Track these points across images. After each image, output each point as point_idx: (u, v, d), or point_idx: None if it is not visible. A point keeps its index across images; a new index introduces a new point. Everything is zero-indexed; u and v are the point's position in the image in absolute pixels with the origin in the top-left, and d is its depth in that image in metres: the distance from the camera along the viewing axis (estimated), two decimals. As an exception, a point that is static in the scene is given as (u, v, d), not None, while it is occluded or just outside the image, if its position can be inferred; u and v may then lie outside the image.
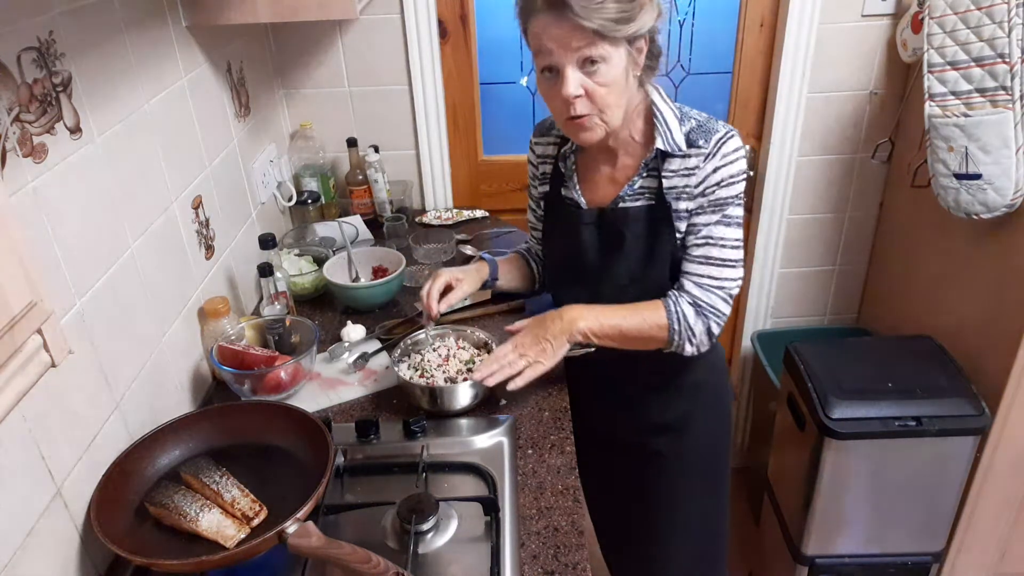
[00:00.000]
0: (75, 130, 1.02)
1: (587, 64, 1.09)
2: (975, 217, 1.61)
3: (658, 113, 1.19)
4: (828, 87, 1.99)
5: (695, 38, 2.03)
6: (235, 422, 1.16)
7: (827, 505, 1.75)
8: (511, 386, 1.22)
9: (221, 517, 1.00)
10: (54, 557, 0.94)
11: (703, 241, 1.20)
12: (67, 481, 0.97)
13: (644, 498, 1.47)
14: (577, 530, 1.07)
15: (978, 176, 1.57)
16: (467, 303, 1.62)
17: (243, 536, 0.98)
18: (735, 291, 1.23)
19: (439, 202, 2.16)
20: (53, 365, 0.71)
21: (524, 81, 2.11)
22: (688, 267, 1.22)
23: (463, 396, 1.27)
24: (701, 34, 2.03)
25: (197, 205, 1.41)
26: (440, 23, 1.94)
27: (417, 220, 2.05)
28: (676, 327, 1.21)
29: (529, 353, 1.23)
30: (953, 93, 1.59)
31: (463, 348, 1.38)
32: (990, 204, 1.57)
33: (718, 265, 1.20)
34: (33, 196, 0.93)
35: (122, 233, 1.14)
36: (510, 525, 1.08)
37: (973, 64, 1.54)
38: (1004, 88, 1.50)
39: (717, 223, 1.19)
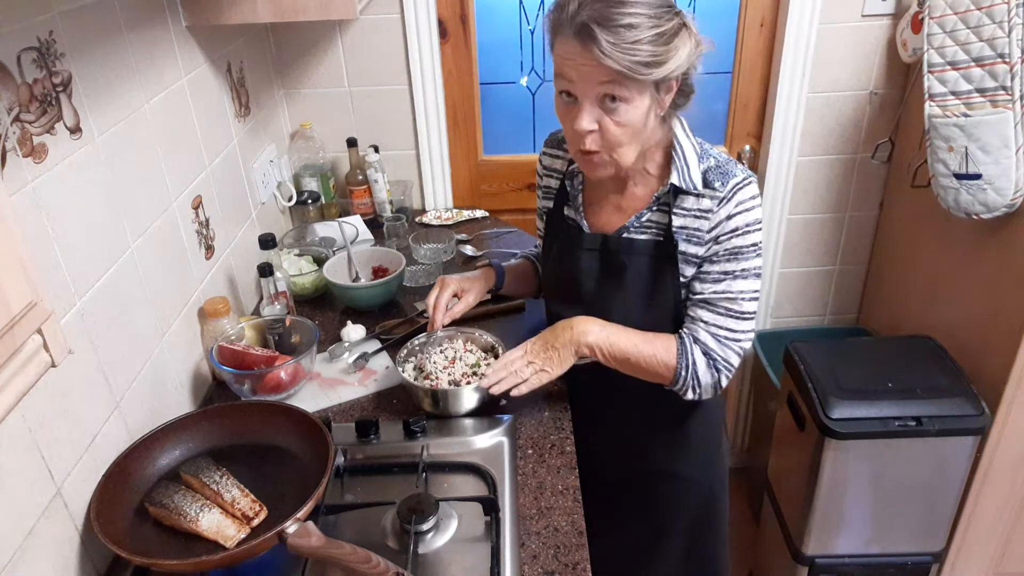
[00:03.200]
0: (75, 130, 1.02)
1: (607, 100, 1.04)
2: (975, 217, 1.61)
3: (678, 148, 1.14)
4: (828, 87, 1.99)
5: (695, 38, 2.03)
6: (235, 422, 1.16)
7: (827, 505, 1.75)
8: (515, 392, 1.21)
9: (221, 517, 1.00)
10: (54, 557, 0.94)
11: (722, 295, 1.15)
12: (67, 481, 0.97)
13: (637, 536, 1.44)
14: (577, 530, 1.07)
15: (978, 176, 1.57)
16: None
17: (243, 536, 0.98)
18: (748, 345, 1.19)
19: (439, 202, 2.16)
20: (53, 365, 0.70)
21: (524, 81, 2.11)
22: (705, 316, 1.17)
23: (467, 400, 1.27)
24: (701, 34, 2.02)
25: (197, 205, 1.41)
26: (440, 23, 1.94)
27: (417, 220, 2.05)
28: (683, 373, 1.17)
29: (536, 360, 1.21)
30: (953, 93, 1.59)
31: (470, 351, 1.37)
32: (990, 204, 1.57)
33: (736, 318, 1.16)
34: (33, 196, 0.93)
35: (122, 233, 1.14)
36: (510, 525, 1.08)
37: (973, 64, 1.54)
38: (1004, 88, 1.50)
39: (736, 277, 1.14)
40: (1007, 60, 1.49)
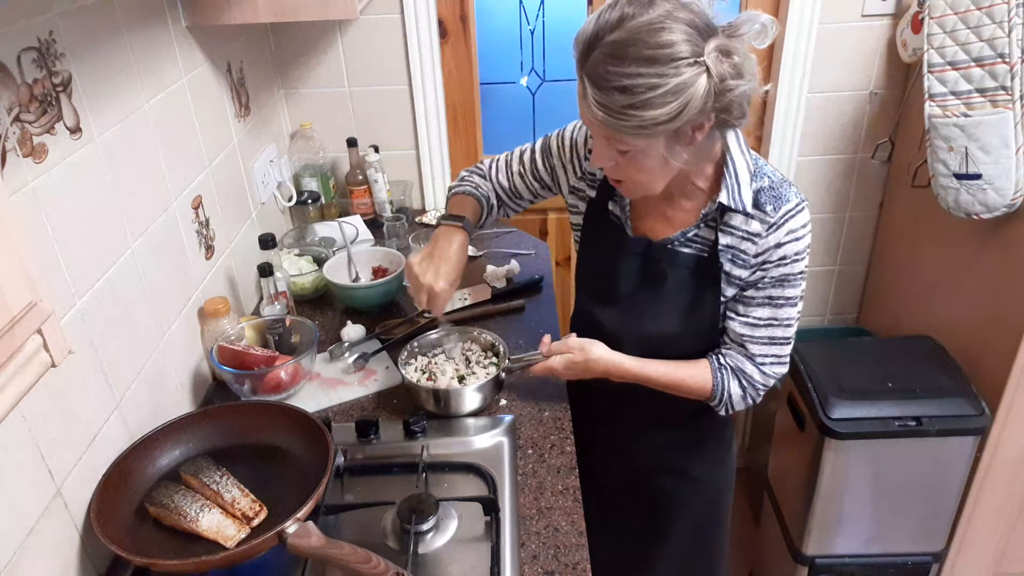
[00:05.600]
0: (75, 130, 1.02)
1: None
2: (975, 217, 1.61)
3: (730, 163, 1.07)
4: (828, 87, 1.99)
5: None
6: (235, 422, 1.16)
7: (827, 505, 1.75)
8: None
9: (221, 517, 1.00)
10: (54, 557, 0.94)
11: (767, 321, 1.13)
12: (67, 481, 0.97)
13: (641, 533, 1.45)
14: (577, 530, 1.07)
15: (978, 176, 1.57)
16: (467, 302, 1.62)
17: (243, 536, 0.98)
18: (788, 367, 1.19)
19: (439, 202, 2.16)
20: (53, 365, 0.71)
21: (524, 81, 2.11)
22: (752, 348, 1.15)
23: (469, 400, 1.27)
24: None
25: (197, 205, 1.41)
26: (440, 23, 1.94)
27: (417, 220, 2.05)
28: (716, 404, 1.20)
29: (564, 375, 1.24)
30: (953, 93, 1.58)
31: (470, 351, 1.38)
32: (990, 204, 1.57)
33: (781, 344, 1.15)
34: (33, 196, 0.93)
35: (122, 233, 1.14)
36: (510, 525, 1.08)
37: (973, 64, 1.54)
38: (1004, 88, 1.50)
39: (782, 305, 1.11)
40: (1007, 60, 1.49)
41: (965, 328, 1.76)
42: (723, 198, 1.07)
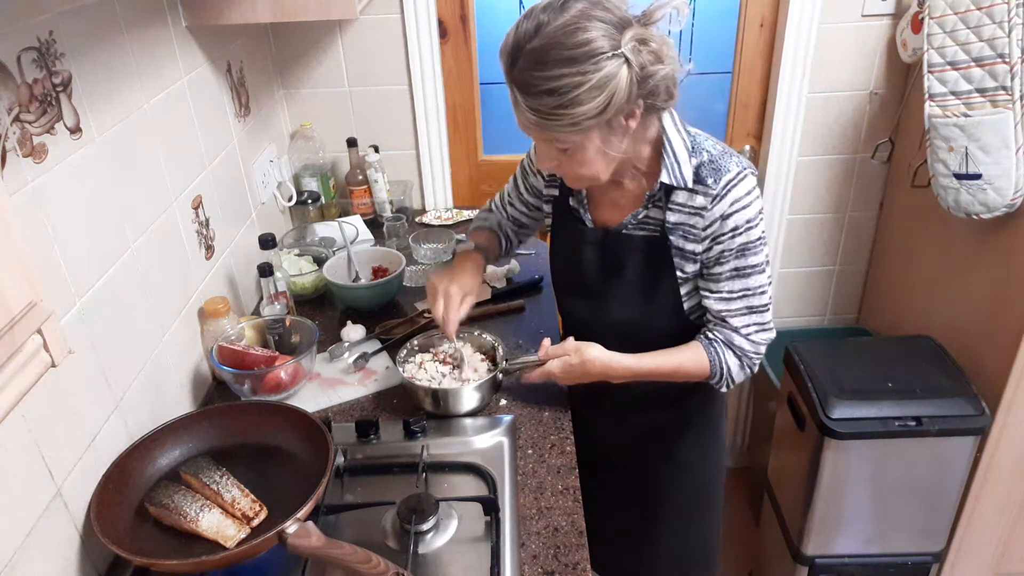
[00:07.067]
0: (75, 130, 1.02)
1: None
2: (975, 217, 1.61)
3: (667, 144, 1.11)
4: (828, 87, 1.99)
5: (695, 38, 2.03)
6: (235, 422, 1.16)
7: (827, 505, 1.75)
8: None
9: (221, 517, 1.00)
10: (54, 557, 0.94)
11: (740, 293, 1.15)
12: (67, 481, 0.97)
13: (634, 510, 1.47)
14: (577, 530, 1.07)
15: (978, 176, 1.57)
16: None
17: (243, 536, 0.98)
18: (774, 330, 1.21)
19: (439, 202, 2.16)
20: (53, 365, 0.71)
21: (524, 81, 2.11)
22: (734, 321, 1.17)
23: (467, 400, 1.27)
24: (701, 34, 2.03)
25: (197, 205, 1.41)
26: (440, 23, 1.94)
27: (417, 220, 2.05)
28: (717, 381, 1.21)
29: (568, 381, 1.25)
30: (953, 93, 1.59)
31: (469, 351, 1.37)
32: (990, 204, 1.57)
33: (760, 312, 1.17)
34: (33, 196, 0.93)
35: (122, 233, 1.14)
36: (510, 525, 1.08)
37: (973, 64, 1.54)
38: (1004, 88, 1.50)
39: (751, 273, 1.14)
40: (1007, 60, 1.49)
41: (965, 328, 1.76)
42: (664, 177, 1.11)
